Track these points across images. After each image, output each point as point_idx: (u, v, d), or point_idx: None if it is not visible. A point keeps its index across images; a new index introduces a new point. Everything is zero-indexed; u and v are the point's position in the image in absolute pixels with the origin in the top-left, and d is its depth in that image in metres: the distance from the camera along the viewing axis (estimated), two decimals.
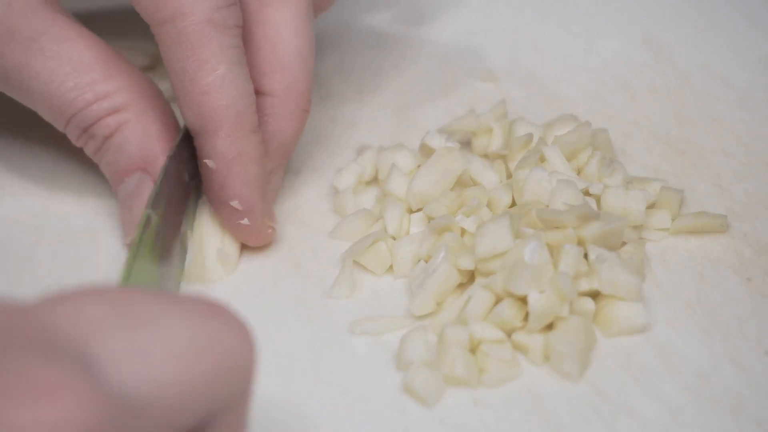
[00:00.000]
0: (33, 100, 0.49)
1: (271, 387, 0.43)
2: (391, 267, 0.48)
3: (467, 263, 0.46)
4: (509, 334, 0.44)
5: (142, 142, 0.48)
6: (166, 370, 0.29)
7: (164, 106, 0.49)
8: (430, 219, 0.49)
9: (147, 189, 0.48)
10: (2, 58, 0.48)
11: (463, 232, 0.47)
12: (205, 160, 0.47)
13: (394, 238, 0.49)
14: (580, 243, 0.45)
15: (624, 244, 0.48)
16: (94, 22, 0.62)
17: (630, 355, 0.43)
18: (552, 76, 0.62)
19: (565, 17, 0.68)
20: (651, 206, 0.49)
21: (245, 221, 0.47)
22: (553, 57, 0.64)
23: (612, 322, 0.44)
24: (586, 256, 0.45)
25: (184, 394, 0.29)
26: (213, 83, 0.46)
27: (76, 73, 0.48)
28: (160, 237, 0.45)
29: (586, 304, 0.44)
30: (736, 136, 0.56)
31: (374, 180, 0.53)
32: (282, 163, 0.51)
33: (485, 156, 0.53)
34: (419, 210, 0.50)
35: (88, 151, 0.49)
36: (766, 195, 0.52)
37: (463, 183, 0.50)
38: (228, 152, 0.46)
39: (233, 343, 0.31)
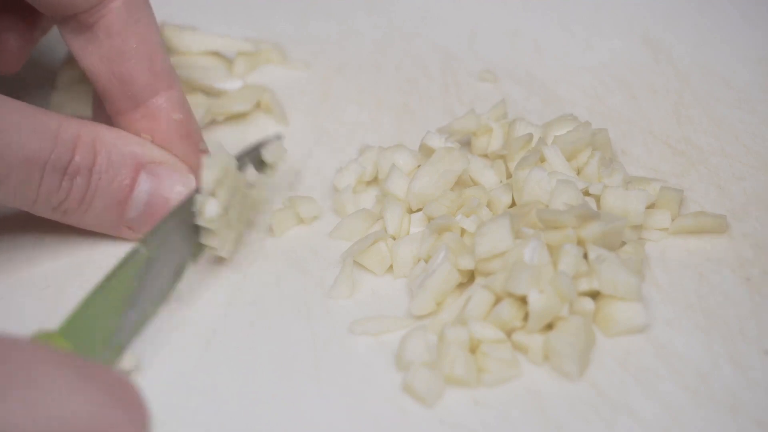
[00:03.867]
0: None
1: (271, 387, 0.43)
2: (391, 267, 0.48)
3: (467, 263, 0.46)
4: (509, 334, 0.44)
5: (124, 147, 0.48)
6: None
7: (103, 121, 0.49)
8: (430, 219, 0.49)
9: (165, 175, 0.48)
10: None
11: (463, 232, 0.47)
12: (173, 116, 0.49)
13: (394, 238, 0.49)
14: (580, 243, 0.45)
15: (624, 244, 0.48)
16: None
17: (630, 355, 0.43)
18: (552, 76, 0.62)
19: (565, 17, 0.68)
20: (651, 206, 0.49)
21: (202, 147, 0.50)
22: (553, 57, 0.64)
23: (612, 322, 0.44)
24: (585, 256, 0.45)
25: None
26: (160, 43, 0.49)
27: (25, 121, 0.45)
28: (145, 274, 0.44)
29: (585, 304, 0.44)
30: (736, 136, 0.56)
31: (374, 180, 0.53)
32: None
33: (485, 156, 0.53)
34: (419, 210, 0.50)
35: (76, 196, 0.47)
36: (766, 195, 0.52)
37: (463, 183, 0.50)
38: (184, 102, 0.49)
39: (118, 425, 0.31)
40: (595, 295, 0.45)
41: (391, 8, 0.69)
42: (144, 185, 0.48)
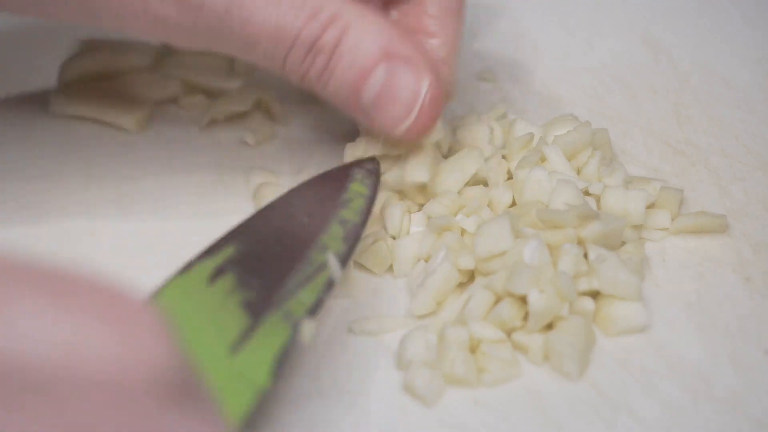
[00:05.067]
0: (247, 40, 0.46)
1: (271, 386, 0.43)
2: (391, 267, 0.48)
3: (467, 263, 0.46)
4: (509, 333, 0.44)
5: (374, 35, 0.47)
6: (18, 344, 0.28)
7: (372, 8, 0.50)
8: (430, 219, 0.49)
9: (405, 71, 0.47)
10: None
11: (463, 232, 0.47)
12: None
13: (394, 238, 0.49)
14: (580, 243, 0.45)
15: (624, 244, 0.48)
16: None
17: (630, 355, 0.43)
18: (552, 76, 0.62)
19: (565, 17, 0.68)
20: (651, 206, 0.49)
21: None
22: (553, 57, 0.64)
23: (612, 321, 0.44)
24: (586, 256, 0.45)
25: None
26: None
27: None
28: (238, 284, 0.41)
29: (586, 304, 0.44)
30: (736, 136, 0.56)
31: None
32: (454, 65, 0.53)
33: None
34: (419, 210, 0.50)
35: (315, 72, 0.48)
36: (766, 195, 0.52)
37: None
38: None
39: (101, 347, 0.29)
40: (595, 295, 0.45)
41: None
42: (378, 77, 0.47)
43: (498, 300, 0.44)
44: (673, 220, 0.49)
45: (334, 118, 0.59)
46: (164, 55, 0.61)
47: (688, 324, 0.45)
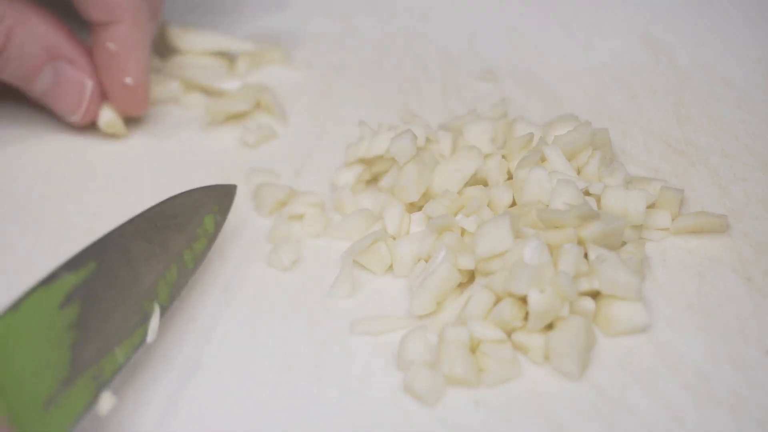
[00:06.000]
0: None
1: (271, 386, 0.43)
2: (391, 267, 0.48)
3: (467, 263, 0.46)
4: (509, 334, 0.44)
5: (38, 38, 0.52)
6: None
7: (39, 4, 0.53)
8: (430, 219, 0.49)
9: (69, 72, 0.53)
10: None
11: (463, 232, 0.47)
12: (107, 44, 0.53)
13: (394, 238, 0.49)
14: (580, 243, 0.45)
15: (624, 244, 0.48)
16: None
17: (630, 355, 0.43)
18: (552, 76, 0.62)
19: (565, 17, 0.68)
20: (651, 206, 0.49)
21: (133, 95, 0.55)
22: (553, 57, 0.64)
23: (612, 321, 0.44)
24: (586, 256, 0.45)
25: None
26: None
27: None
28: (78, 303, 0.41)
29: (586, 304, 0.44)
30: (736, 136, 0.56)
31: (374, 179, 0.53)
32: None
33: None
34: (419, 210, 0.50)
35: None
36: (766, 195, 0.52)
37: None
38: (131, 38, 0.54)
39: None
40: (595, 295, 0.45)
41: (392, 8, 0.69)
42: (47, 76, 0.53)
43: (498, 300, 0.44)
44: (673, 220, 0.49)
45: (334, 118, 0.59)
46: (165, 55, 0.61)
47: (689, 324, 0.45)
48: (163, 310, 0.43)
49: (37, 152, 0.55)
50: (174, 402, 0.42)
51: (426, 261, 0.47)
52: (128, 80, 0.54)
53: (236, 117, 0.59)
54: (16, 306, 0.40)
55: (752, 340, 0.44)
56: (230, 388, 0.43)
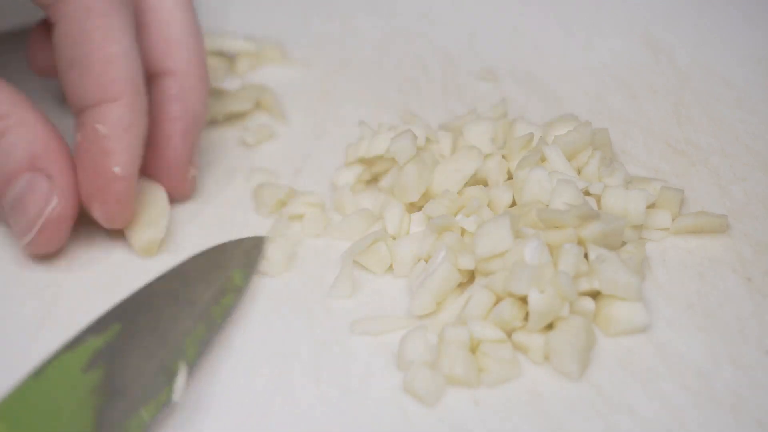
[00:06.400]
0: None
1: (271, 386, 0.43)
2: (391, 267, 0.48)
3: (467, 263, 0.46)
4: (509, 334, 0.44)
5: (28, 144, 0.47)
6: None
7: (43, 114, 0.48)
8: (430, 219, 0.49)
9: (41, 187, 0.47)
10: None
11: (463, 231, 0.47)
12: (96, 125, 0.46)
13: (394, 238, 0.49)
14: (580, 243, 0.45)
15: (624, 244, 0.48)
16: None
17: (630, 355, 0.43)
18: (552, 76, 0.62)
19: (565, 17, 0.68)
20: (651, 206, 0.49)
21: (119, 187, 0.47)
22: (553, 57, 0.64)
23: (612, 321, 0.44)
24: (586, 256, 0.45)
25: None
26: (118, 53, 0.46)
27: None
28: (102, 366, 0.41)
29: (586, 304, 0.44)
30: (736, 136, 0.56)
31: (374, 179, 0.53)
32: (197, 135, 0.52)
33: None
34: (419, 210, 0.50)
35: None
36: (766, 195, 0.52)
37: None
38: (124, 120, 0.47)
39: None
40: (595, 295, 0.45)
41: (392, 8, 0.69)
42: (19, 186, 0.47)
43: (498, 300, 0.44)
44: (673, 220, 0.49)
45: (334, 118, 0.59)
46: None
47: (689, 324, 0.45)
48: (190, 368, 0.42)
49: None
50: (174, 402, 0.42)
51: (426, 261, 0.47)
52: (116, 169, 0.47)
53: (236, 117, 0.59)
54: (39, 372, 0.40)
55: (752, 340, 0.44)
56: (230, 387, 0.43)
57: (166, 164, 0.51)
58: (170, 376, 0.41)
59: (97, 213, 0.48)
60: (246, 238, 0.49)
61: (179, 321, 0.43)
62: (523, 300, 0.43)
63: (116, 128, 0.46)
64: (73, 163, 0.48)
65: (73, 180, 0.47)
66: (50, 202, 0.46)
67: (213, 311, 0.45)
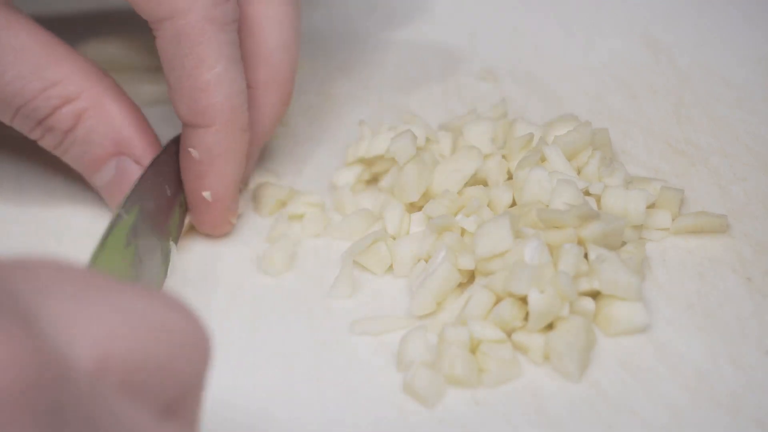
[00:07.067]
0: None
1: (271, 386, 0.43)
2: (391, 267, 0.48)
3: (467, 263, 0.46)
4: (509, 334, 0.44)
5: (108, 128, 0.47)
6: (112, 345, 0.27)
7: (117, 87, 0.49)
8: (430, 219, 0.49)
9: (130, 171, 0.48)
10: None
11: (463, 232, 0.47)
12: (189, 149, 0.47)
13: (394, 238, 0.49)
14: (580, 243, 0.45)
15: (624, 244, 0.48)
16: (102, 22, 0.62)
17: (630, 355, 0.43)
18: (552, 76, 0.62)
19: (565, 17, 0.68)
20: (651, 206, 0.49)
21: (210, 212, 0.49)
22: (553, 57, 0.64)
23: (612, 321, 0.44)
24: (586, 256, 0.45)
25: (132, 369, 0.27)
26: (210, 81, 0.46)
27: (18, 61, 0.46)
28: (134, 241, 0.44)
29: (586, 304, 0.44)
30: (737, 136, 0.56)
31: (374, 179, 0.53)
32: (256, 151, 0.52)
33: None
34: (419, 210, 0.50)
35: (46, 144, 0.48)
36: (766, 195, 0.52)
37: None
38: (215, 148, 0.47)
39: (189, 331, 0.29)
40: (595, 295, 0.45)
41: (392, 8, 0.69)
42: (108, 171, 0.48)
43: (498, 300, 0.44)
44: (673, 220, 0.49)
45: (334, 118, 0.59)
46: None
47: (689, 324, 0.45)
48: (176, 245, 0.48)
49: (37, 153, 0.55)
50: None
51: (426, 261, 0.47)
52: (206, 194, 0.48)
53: None
54: (101, 247, 0.42)
55: (752, 340, 0.44)
56: (230, 387, 0.43)
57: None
58: (166, 254, 0.47)
59: (194, 223, 0.50)
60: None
61: (166, 208, 0.47)
62: (523, 300, 0.43)
63: (208, 154, 0.47)
64: (157, 140, 0.49)
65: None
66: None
67: (182, 198, 0.49)
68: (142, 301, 0.29)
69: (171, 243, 0.47)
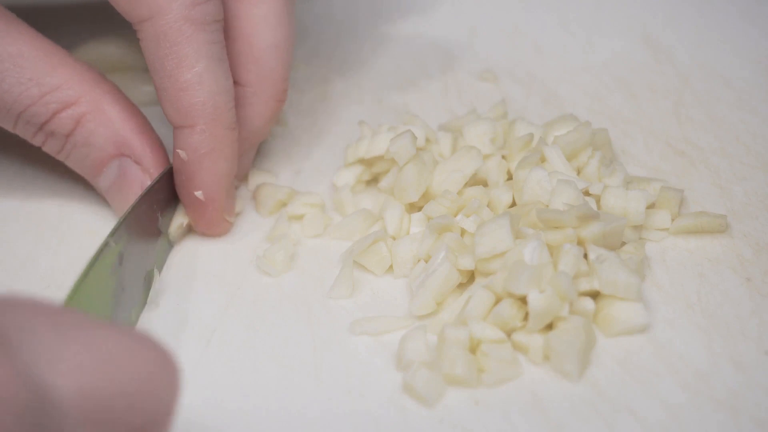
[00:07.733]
0: None
1: (271, 386, 0.43)
2: (391, 267, 0.48)
3: (467, 263, 0.46)
4: (509, 334, 0.44)
5: (108, 130, 0.48)
6: (87, 377, 0.29)
7: (116, 90, 0.49)
8: (429, 219, 0.49)
9: (133, 172, 0.48)
10: None
11: (463, 232, 0.47)
12: (177, 150, 0.48)
13: (394, 238, 0.49)
14: (580, 243, 0.45)
15: (624, 244, 0.48)
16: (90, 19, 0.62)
17: (630, 355, 0.43)
18: (552, 76, 0.62)
19: (565, 17, 0.68)
20: (651, 206, 0.49)
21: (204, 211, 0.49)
22: (553, 57, 0.64)
23: (612, 322, 0.44)
24: (586, 256, 0.45)
25: (103, 400, 0.30)
26: (190, 80, 0.46)
27: (16, 68, 0.46)
28: (119, 269, 0.44)
29: (586, 304, 0.44)
30: (737, 136, 0.56)
31: (374, 179, 0.53)
32: (250, 149, 0.52)
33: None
34: (419, 210, 0.50)
35: (49, 149, 0.49)
36: (766, 195, 0.52)
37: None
38: (201, 147, 0.47)
39: (158, 364, 0.32)
40: (595, 295, 0.45)
41: (392, 8, 0.69)
42: (111, 172, 0.49)
43: (498, 300, 0.44)
44: (673, 220, 0.49)
45: (334, 119, 0.59)
46: None
47: (689, 324, 0.45)
48: (159, 272, 0.48)
49: (37, 153, 0.55)
50: None
51: (426, 261, 0.47)
52: (198, 194, 0.48)
53: None
54: (90, 266, 0.42)
55: (752, 340, 0.44)
56: (230, 388, 0.43)
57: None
58: (149, 282, 0.47)
59: (191, 223, 0.50)
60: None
61: (153, 239, 0.48)
62: (523, 300, 0.43)
63: (195, 154, 0.47)
64: (157, 139, 0.49)
65: (161, 157, 0.49)
66: (145, 184, 0.48)
67: (171, 228, 0.49)
68: (113, 338, 0.31)
69: (155, 271, 0.47)
